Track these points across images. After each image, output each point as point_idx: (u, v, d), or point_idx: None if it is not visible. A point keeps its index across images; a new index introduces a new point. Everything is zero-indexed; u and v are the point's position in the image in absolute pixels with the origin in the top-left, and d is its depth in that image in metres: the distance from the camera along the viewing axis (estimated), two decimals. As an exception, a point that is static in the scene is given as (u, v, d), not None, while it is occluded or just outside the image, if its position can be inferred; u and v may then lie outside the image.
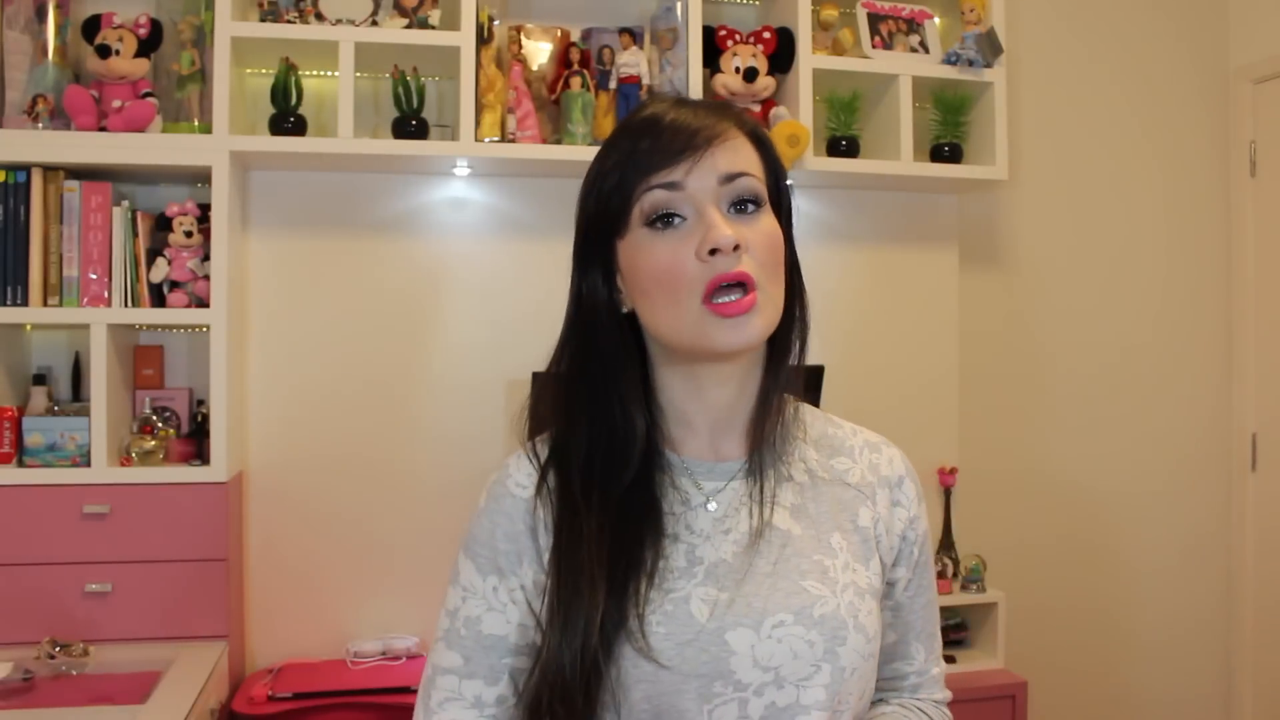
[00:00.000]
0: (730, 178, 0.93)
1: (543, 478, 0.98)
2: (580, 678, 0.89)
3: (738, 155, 0.94)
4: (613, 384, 0.98)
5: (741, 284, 0.91)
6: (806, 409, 1.06)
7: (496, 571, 0.97)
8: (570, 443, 0.98)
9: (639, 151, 0.94)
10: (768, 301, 0.93)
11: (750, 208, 0.94)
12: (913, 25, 2.70)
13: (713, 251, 0.90)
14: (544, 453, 1.00)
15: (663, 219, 0.93)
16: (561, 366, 1.00)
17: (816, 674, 0.91)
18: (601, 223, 0.96)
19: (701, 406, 0.99)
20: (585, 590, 0.91)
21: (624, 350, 0.98)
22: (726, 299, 0.90)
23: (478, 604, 0.98)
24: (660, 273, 0.92)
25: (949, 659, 2.61)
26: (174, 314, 2.31)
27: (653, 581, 0.92)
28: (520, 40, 2.54)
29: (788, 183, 1.02)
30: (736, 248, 0.90)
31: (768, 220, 0.95)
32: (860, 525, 1.00)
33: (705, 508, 0.97)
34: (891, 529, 1.02)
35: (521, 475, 1.00)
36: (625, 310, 0.98)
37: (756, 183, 0.94)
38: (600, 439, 0.97)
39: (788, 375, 1.00)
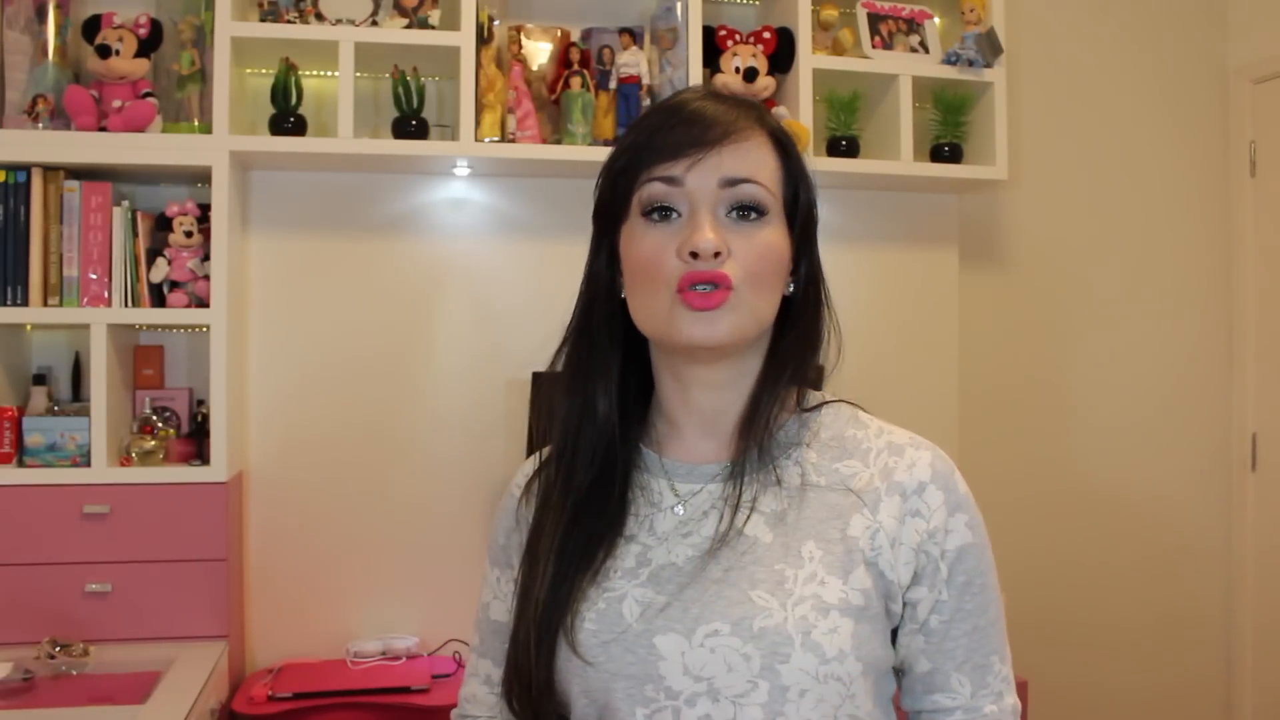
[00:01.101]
0: (732, 182, 0.90)
1: (534, 476, 1.02)
2: (523, 668, 0.93)
3: (748, 159, 0.91)
4: (597, 367, 0.97)
5: (716, 283, 0.89)
6: (831, 408, 1.00)
7: (498, 565, 1.06)
8: (555, 432, 1.00)
9: (651, 139, 0.92)
10: (743, 306, 0.90)
11: (752, 215, 0.91)
12: (913, 25, 2.69)
13: (693, 254, 0.89)
14: (546, 454, 1.03)
15: (658, 211, 0.91)
16: (566, 348, 1.00)
17: (753, 691, 0.86)
18: (609, 204, 0.96)
19: (687, 409, 0.98)
20: (532, 585, 0.94)
21: (612, 334, 0.98)
22: (698, 290, 0.89)
23: (488, 593, 1.07)
24: (644, 262, 0.91)
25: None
26: (174, 314, 2.31)
27: (595, 579, 0.93)
28: (520, 40, 2.54)
29: (814, 193, 0.98)
30: (717, 254, 0.88)
31: (768, 231, 0.92)
32: (848, 535, 0.91)
33: (673, 510, 0.96)
34: (901, 540, 0.91)
35: (520, 476, 1.06)
36: (622, 294, 0.97)
37: (761, 191, 0.91)
38: (573, 425, 0.98)
39: (785, 384, 0.97)
